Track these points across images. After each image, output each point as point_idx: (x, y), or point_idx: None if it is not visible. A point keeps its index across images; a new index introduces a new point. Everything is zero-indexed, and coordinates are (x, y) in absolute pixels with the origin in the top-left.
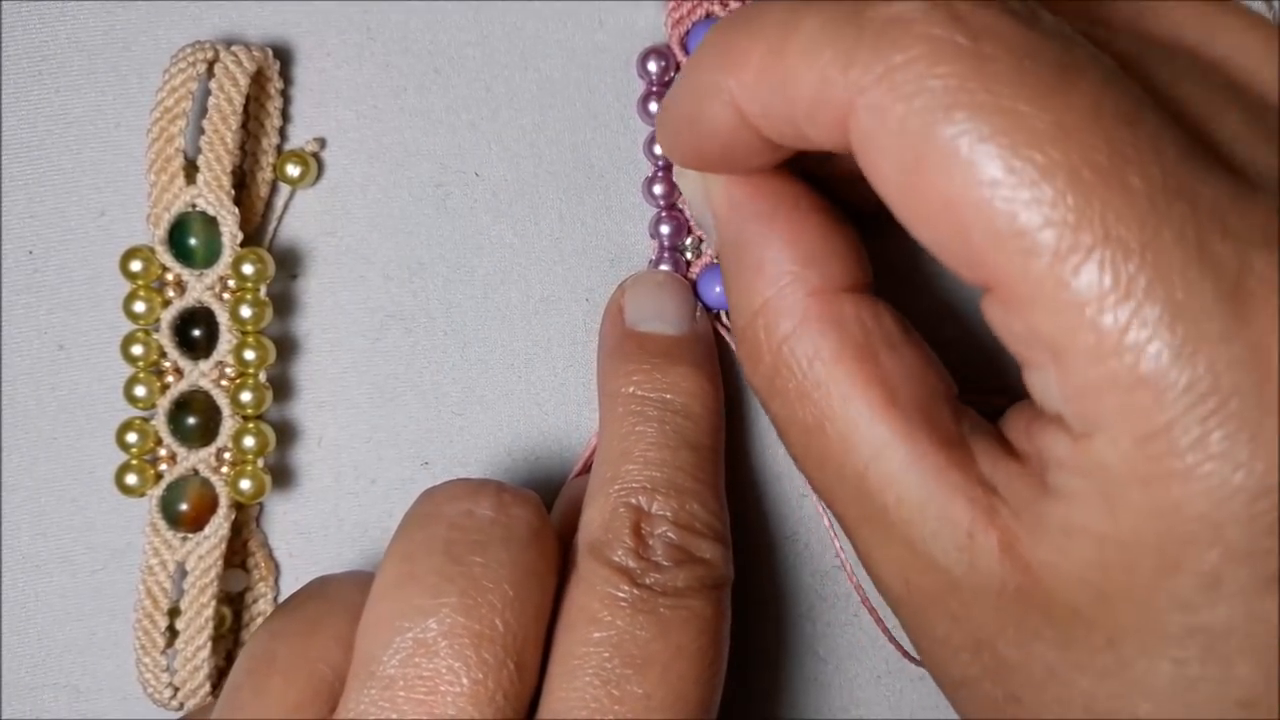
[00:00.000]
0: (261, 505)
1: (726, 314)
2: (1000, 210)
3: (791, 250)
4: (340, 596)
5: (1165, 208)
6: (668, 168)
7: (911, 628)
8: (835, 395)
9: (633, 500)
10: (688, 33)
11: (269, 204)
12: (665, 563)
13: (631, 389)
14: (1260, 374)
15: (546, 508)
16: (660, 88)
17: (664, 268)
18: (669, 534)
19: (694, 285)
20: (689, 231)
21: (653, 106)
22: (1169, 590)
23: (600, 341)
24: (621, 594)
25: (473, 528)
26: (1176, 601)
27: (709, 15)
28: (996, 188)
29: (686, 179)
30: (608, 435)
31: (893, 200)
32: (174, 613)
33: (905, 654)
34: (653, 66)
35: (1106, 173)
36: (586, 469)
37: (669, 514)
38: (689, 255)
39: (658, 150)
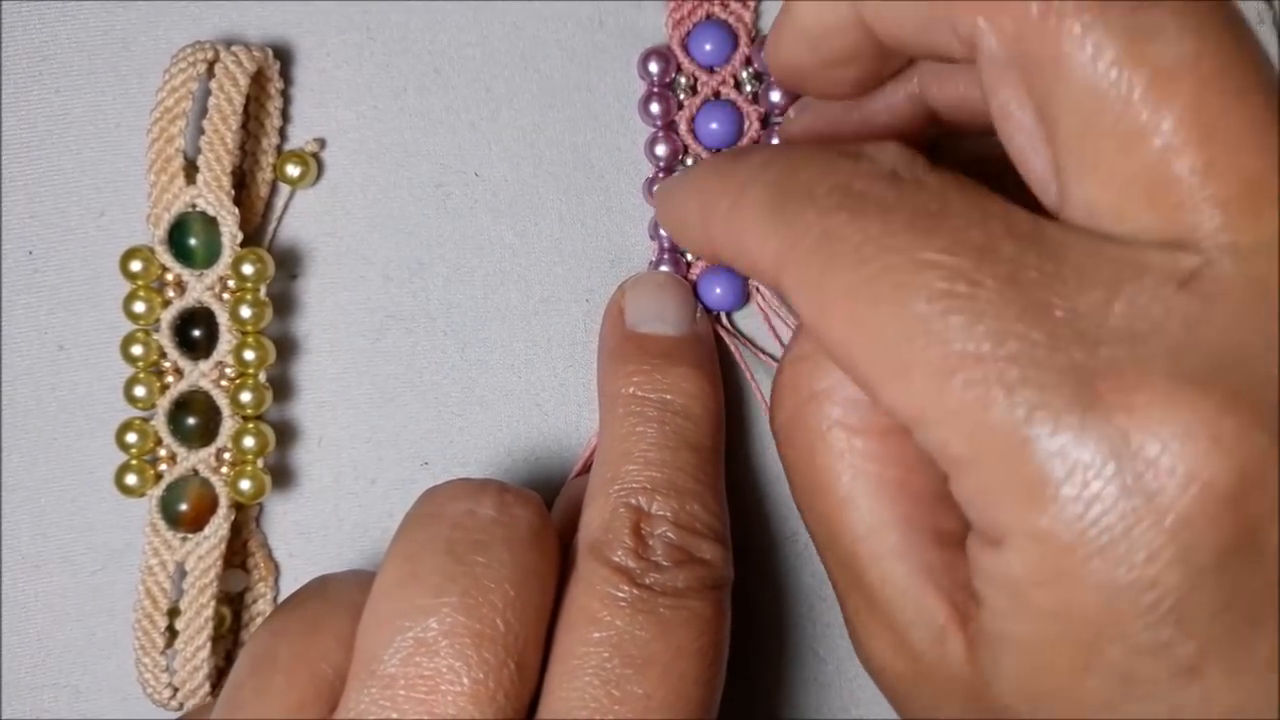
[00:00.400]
0: (261, 505)
1: (728, 315)
2: (881, 340)
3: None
4: (341, 596)
5: (1023, 324)
6: (668, 169)
7: (891, 698)
8: (846, 467)
9: (633, 501)
10: (688, 34)
11: (269, 204)
12: (665, 563)
13: (631, 389)
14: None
15: (547, 507)
16: (661, 88)
17: (664, 269)
18: (669, 534)
19: (694, 286)
20: None
21: (653, 107)
22: (1089, 690)
23: (600, 342)
24: (621, 594)
25: (475, 527)
26: (1098, 701)
27: (709, 16)
28: (876, 322)
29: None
30: (608, 436)
31: (814, 335)
32: (174, 613)
33: None
34: (654, 68)
35: (967, 297)
36: (586, 469)
37: (669, 514)
38: (689, 256)
39: (658, 151)
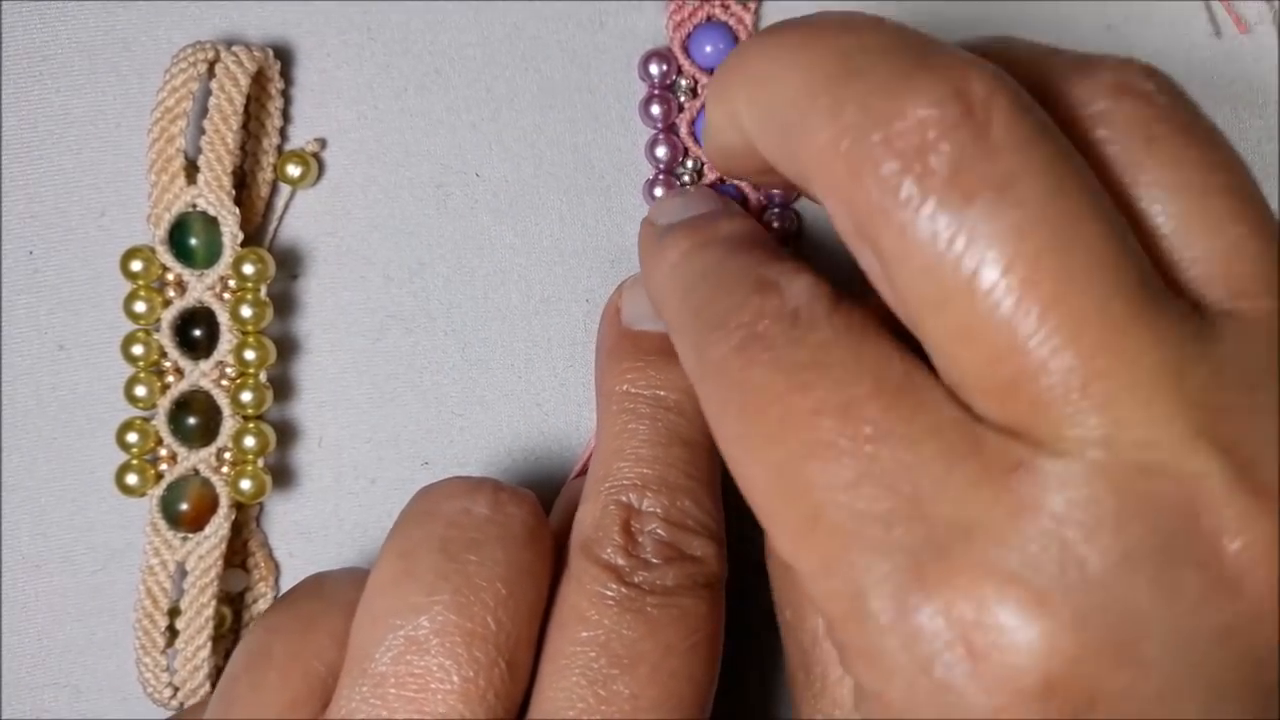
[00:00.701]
0: (262, 505)
1: None
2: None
3: None
4: (336, 593)
5: (877, 492)
6: (669, 171)
7: None
8: None
9: (623, 498)
10: (689, 35)
11: (269, 204)
12: (655, 560)
13: (625, 387)
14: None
15: (546, 508)
16: (662, 90)
17: None
18: (659, 531)
19: None
20: None
21: (654, 109)
22: None
23: (598, 342)
24: (609, 592)
25: (469, 525)
26: None
27: (710, 18)
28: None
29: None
30: (602, 434)
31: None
32: (174, 613)
33: None
34: (654, 69)
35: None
36: (585, 470)
37: (659, 511)
38: None
39: (659, 153)
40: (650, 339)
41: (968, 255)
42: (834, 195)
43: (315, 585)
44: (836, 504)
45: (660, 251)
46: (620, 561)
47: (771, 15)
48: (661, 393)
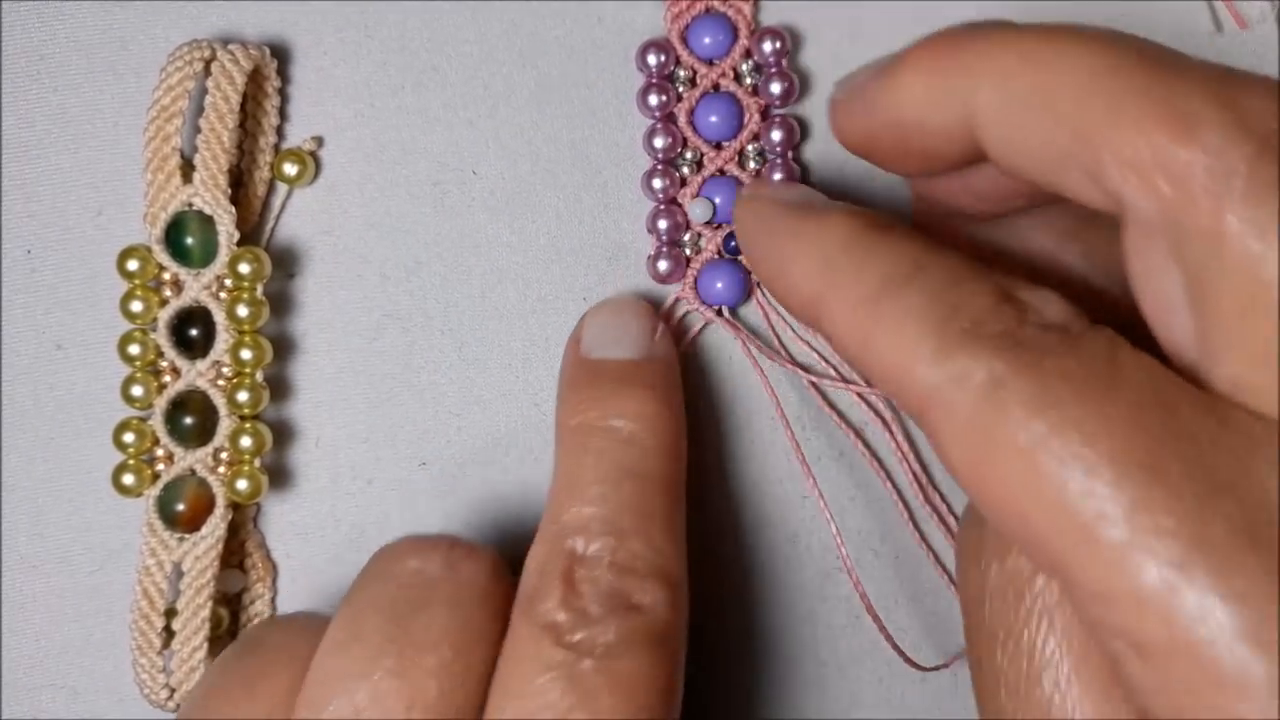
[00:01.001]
0: (259, 506)
1: (731, 310)
2: (1060, 506)
3: None
4: (284, 648)
5: (1213, 502)
6: (667, 161)
7: None
8: (1051, 648)
9: (568, 543)
10: (688, 26)
11: (266, 203)
12: (596, 611)
13: (578, 420)
14: None
15: (503, 561)
16: (660, 80)
17: (663, 264)
18: (604, 577)
19: (695, 282)
20: (687, 226)
21: (652, 99)
22: None
23: (560, 375)
24: (544, 656)
25: (420, 586)
26: None
27: (709, 10)
28: (1056, 484)
29: None
30: (556, 473)
31: (962, 481)
32: (171, 613)
33: (907, 659)
34: (652, 60)
35: (1153, 469)
36: None
37: (605, 555)
38: (688, 251)
39: (657, 143)
40: (609, 367)
41: None
42: (1153, 205)
43: (259, 639)
44: (1170, 530)
45: (871, 260)
46: (559, 617)
47: (771, 8)
48: (617, 423)
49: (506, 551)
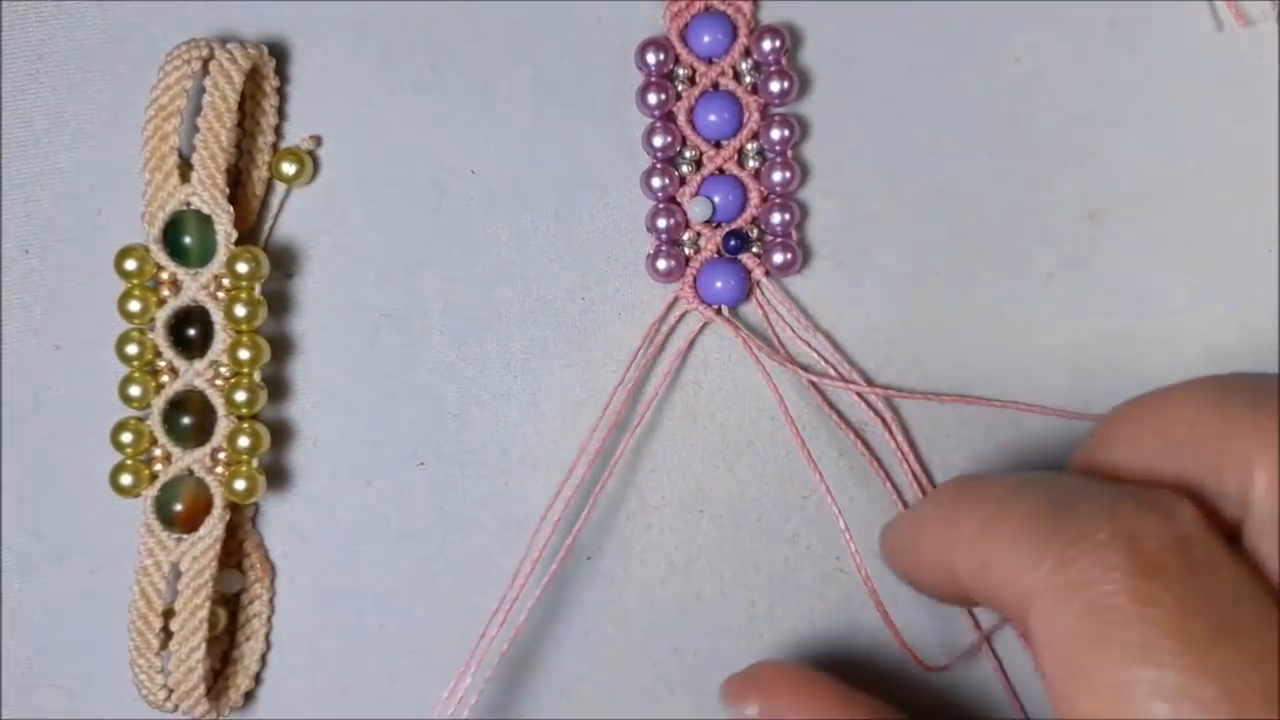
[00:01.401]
0: (258, 506)
1: (731, 310)
2: None
3: None
4: None
5: None
6: (667, 160)
7: None
8: None
9: None
10: (686, 25)
11: (265, 202)
12: None
13: None
14: None
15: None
16: (659, 79)
17: (662, 263)
18: None
19: (694, 281)
20: (687, 225)
21: (651, 98)
22: None
23: None
24: None
25: None
26: None
27: (708, 9)
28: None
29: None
30: None
31: (1051, 689)
32: (169, 614)
33: (917, 659)
34: (651, 58)
35: None
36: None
37: None
38: (688, 250)
39: (656, 141)
40: None
41: None
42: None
43: None
44: None
45: (984, 494)
46: None
47: (770, 7)
48: None
49: (506, 551)
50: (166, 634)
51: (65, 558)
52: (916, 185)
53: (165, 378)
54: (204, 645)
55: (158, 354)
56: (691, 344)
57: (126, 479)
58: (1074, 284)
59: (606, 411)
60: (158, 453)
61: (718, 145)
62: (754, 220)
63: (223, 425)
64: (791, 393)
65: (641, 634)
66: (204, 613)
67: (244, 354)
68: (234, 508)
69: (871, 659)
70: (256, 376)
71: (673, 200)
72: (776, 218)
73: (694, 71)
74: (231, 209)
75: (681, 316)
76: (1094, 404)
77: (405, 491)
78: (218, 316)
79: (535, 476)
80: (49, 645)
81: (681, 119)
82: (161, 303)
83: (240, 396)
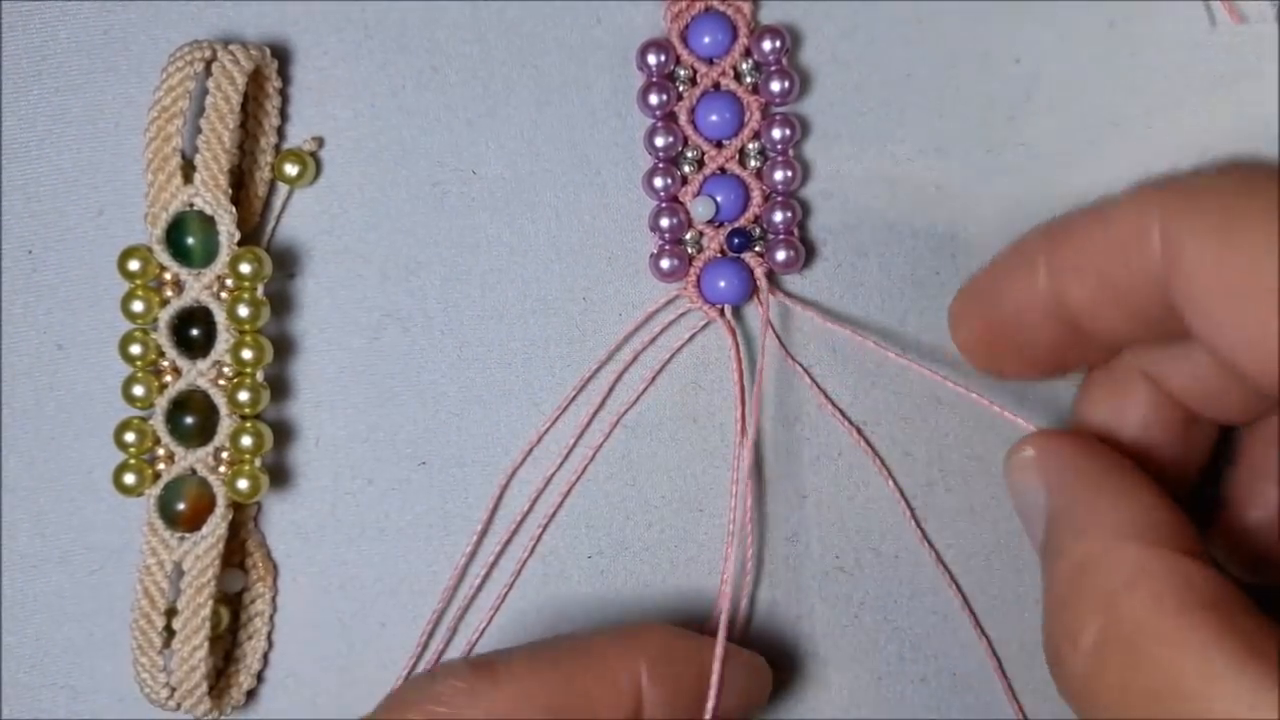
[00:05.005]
0: (260, 505)
1: (734, 309)
2: None
3: (1121, 510)
4: None
5: None
6: (668, 160)
7: None
8: (1190, 648)
9: None
10: (687, 26)
11: (267, 203)
12: None
13: None
14: None
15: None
16: (660, 80)
17: (665, 263)
18: None
19: (697, 281)
20: (689, 225)
21: (653, 98)
22: None
23: None
24: None
25: None
26: None
27: (708, 9)
28: None
29: (1018, 466)
30: None
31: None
32: (171, 613)
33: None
34: (652, 59)
35: None
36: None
37: None
38: (690, 250)
39: (658, 142)
40: None
41: None
42: None
43: None
44: None
45: None
46: None
47: (771, 7)
48: None
49: (506, 550)
50: (169, 633)
51: (68, 557)
52: (916, 185)
53: (168, 378)
54: (206, 644)
55: (161, 354)
56: (691, 343)
57: (130, 478)
58: None
59: (602, 410)
60: (161, 452)
61: (719, 145)
62: (756, 219)
63: (225, 425)
64: (792, 392)
65: None
66: (206, 612)
67: (247, 354)
68: (237, 507)
69: (871, 659)
70: (259, 376)
71: (675, 200)
72: (779, 216)
73: (695, 72)
74: (234, 209)
75: (680, 315)
76: None
77: (407, 491)
78: (220, 317)
79: (535, 476)
80: (51, 644)
81: (683, 119)
82: (164, 303)
83: (243, 396)
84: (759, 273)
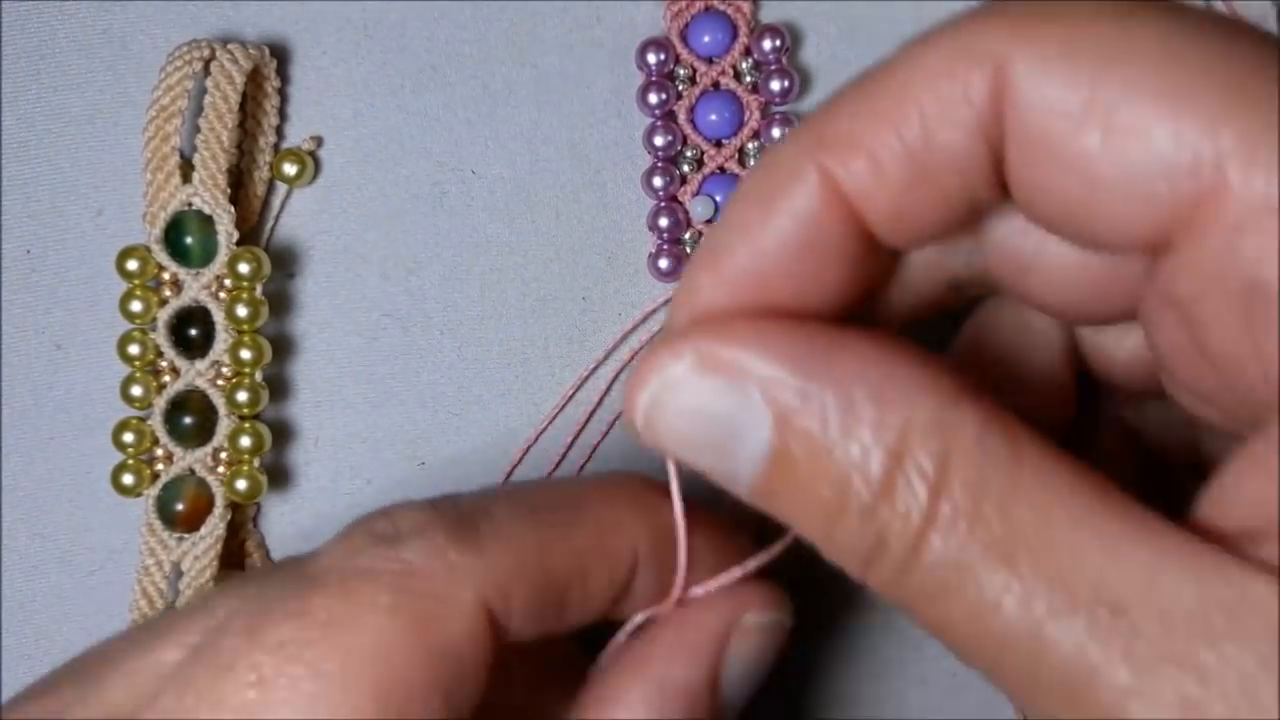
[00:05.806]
0: (259, 506)
1: None
2: None
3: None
4: None
5: None
6: (668, 159)
7: None
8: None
9: None
10: (687, 25)
11: (266, 203)
12: None
13: None
14: None
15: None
16: (660, 79)
17: (664, 262)
18: None
19: None
20: (689, 224)
21: (652, 97)
22: None
23: None
24: None
25: None
26: None
27: (708, 8)
28: None
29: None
30: None
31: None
32: None
33: None
34: (652, 58)
35: None
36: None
37: None
38: (689, 249)
39: (657, 141)
40: None
41: None
42: None
43: None
44: None
45: None
46: None
47: (770, 6)
48: None
49: None
50: None
51: (67, 557)
52: None
53: (167, 378)
54: None
55: (159, 354)
56: None
57: (128, 479)
58: None
59: (600, 409)
60: (159, 452)
61: (719, 144)
62: None
63: (224, 425)
64: None
65: None
66: None
67: (245, 354)
68: (235, 507)
69: (871, 659)
70: (258, 376)
71: (674, 199)
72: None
73: (694, 71)
74: (233, 209)
75: None
76: None
77: (406, 491)
78: (219, 317)
79: (535, 476)
80: (51, 644)
81: (682, 118)
82: (163, 303)
83: (242, 396)
84: None
